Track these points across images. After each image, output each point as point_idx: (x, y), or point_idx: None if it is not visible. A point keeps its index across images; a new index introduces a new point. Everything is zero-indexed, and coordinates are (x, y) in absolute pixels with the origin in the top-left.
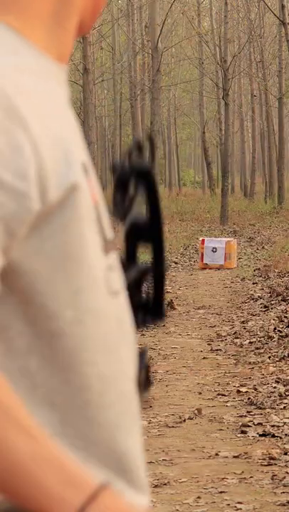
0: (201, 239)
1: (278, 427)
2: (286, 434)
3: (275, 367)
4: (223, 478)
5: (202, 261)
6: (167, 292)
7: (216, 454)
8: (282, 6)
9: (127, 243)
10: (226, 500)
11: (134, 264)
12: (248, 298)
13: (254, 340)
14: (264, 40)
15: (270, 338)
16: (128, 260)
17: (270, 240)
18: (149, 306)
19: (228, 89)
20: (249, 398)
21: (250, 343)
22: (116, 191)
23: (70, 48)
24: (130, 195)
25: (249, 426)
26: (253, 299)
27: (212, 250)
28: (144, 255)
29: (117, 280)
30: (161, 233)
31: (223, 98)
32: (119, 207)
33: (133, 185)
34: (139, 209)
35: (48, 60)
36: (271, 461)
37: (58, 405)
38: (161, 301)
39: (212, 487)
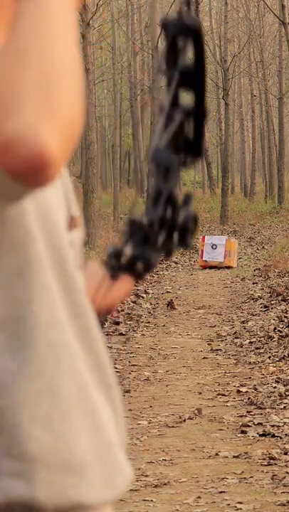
0: (201, 236)
1: (278, 427)
2: (286, 434)
3: (275, 367)
4: (223, 478)
5: (202, 258)
6: (167, 292)
7: (216, 454)
8: (283, 6)
9: (174, 90)
10: (226, 500)
11: (178, 108)
12: (248, 298)
13: (254, 340)
14: (264, 40)
15: (270, 338)
16: (172, 106)
17: (270, 240)
18: (189, 144)
19: (228, 89)
20: (249, 398)
21: (250, 343)
22: (166, 48)
23: None
24: (179, 49)
25: (249, 426)
26: (253, 299)
27: (212, 247)
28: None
29: (75, 258)
30: (204, 79)
31: (223, 98)
32: (169, 61)
33: (182, 39)
34: (186, 61)
35: None
36: (271, 461)
37: None
38: (200, 139)
39: (212, 487)
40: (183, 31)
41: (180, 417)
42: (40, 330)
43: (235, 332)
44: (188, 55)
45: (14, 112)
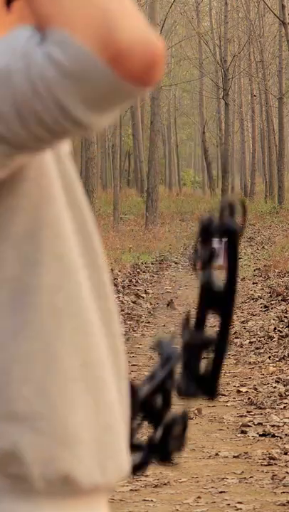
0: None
1: (278, 427)
2: (286, 434)
3: (275, 367)
4: (223, 478)
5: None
6: (167, 292)
7: (216, 454)
8: (283, 6)
9: (198, 305)
10: (226, 500)
11: (201, 330)
12: (248, 298)
13: (254, 340)
14: (264, 40)
15: (270, 338)
16: (197, 323)
17: (270, 240)
18: (204, 380)
19: (228, 89)
20: (249, 398)
21: (250, 343)
22: (199, 241)
23: None
24: (211, 251)
25: (249, 426)
26: (253, 299)
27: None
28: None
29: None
30: (232, 307)
31: (223, 98)
32: (199, 258)
33: (217, 241)
34: (217, 270)
35: None
36: (271, 461)
37: None
38: (216, 379)
39: (212, 487)
40: (221, 232)
41: None
42: (44, 293)
43: (235, 332)
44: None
45: (123, 21)
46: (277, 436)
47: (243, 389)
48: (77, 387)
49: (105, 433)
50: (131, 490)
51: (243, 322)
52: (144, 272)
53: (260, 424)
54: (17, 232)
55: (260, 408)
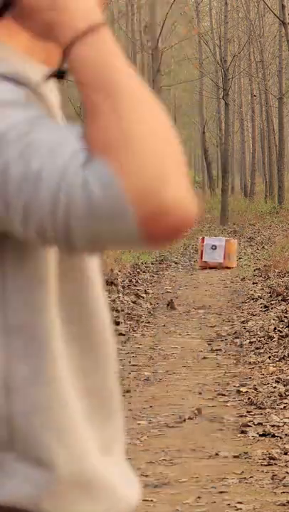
0: (200, 237)
1: (278, 426)
2: (286, 434)
3: (275, 367)
4: (223, 478)
5: (201, 259)
6: (167, 292)
7: (216, 454)
8: (283, 6)
9: None
10: (226, 500)
11: None
12: (248, 298)
13: (254, 340)
14: (264, 40)
15: (270, 338)
16: None
17: (270, 240)
18: None
19: (228, 89)
20: (249, 398)
21: (250, 343)
22: None
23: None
24: None
25: (249, 426)
26: (253, 299)
27: (212, 248)
28: None
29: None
30: None
31: (223, 98)
32: None
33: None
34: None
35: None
36: (271, 461)
37: None
38: None
39: (212, 487)
40: None
41: (180, 417)
42: (52, 339)
43: (235, 332)
44: None
45: (173, 178)
46: (277, 436)
47: (243, 389)
48: (84, 428)
49: (111, 469)
50: None
51: (243, 322)
52: (144, 272)
53: (260, 424)
54: (26, 277)
55: (260, 408)
